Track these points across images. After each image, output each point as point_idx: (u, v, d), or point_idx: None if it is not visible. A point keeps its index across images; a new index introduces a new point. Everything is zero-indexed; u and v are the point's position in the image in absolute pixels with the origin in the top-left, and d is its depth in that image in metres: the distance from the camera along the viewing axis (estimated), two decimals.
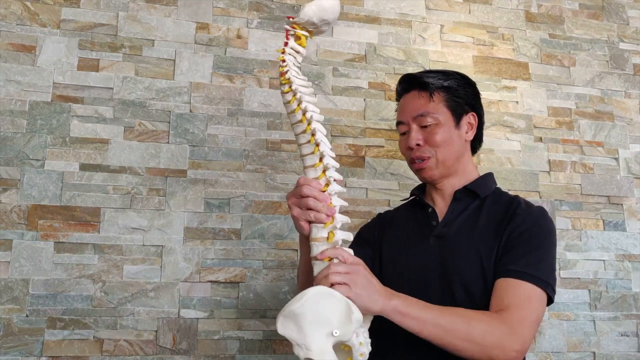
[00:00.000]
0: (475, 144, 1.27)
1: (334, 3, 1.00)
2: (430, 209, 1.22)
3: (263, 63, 1.67)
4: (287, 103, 0.99)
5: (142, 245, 1.49)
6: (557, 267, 1.74)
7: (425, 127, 1.18)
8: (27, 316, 1.39)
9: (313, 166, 0.96)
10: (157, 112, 1.57)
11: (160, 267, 1.49)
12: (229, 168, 1.58)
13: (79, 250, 1.45)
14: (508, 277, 1.05)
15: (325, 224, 0.93)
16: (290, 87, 0.99)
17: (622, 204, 1.83)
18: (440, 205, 1.22)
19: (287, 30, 1.01)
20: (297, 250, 1.58)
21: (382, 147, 1.70)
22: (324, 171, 0.95)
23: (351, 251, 0.94)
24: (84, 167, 1.49)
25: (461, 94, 1.21)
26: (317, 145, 0.95)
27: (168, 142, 1.56)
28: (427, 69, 1.30)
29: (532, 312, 1.02)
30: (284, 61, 1.00)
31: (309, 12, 0.98)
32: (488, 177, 1.25)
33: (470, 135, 1.23)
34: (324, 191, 0.95)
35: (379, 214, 1.37)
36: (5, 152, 1.46)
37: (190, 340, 1.47)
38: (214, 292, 1.51)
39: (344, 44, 1.74)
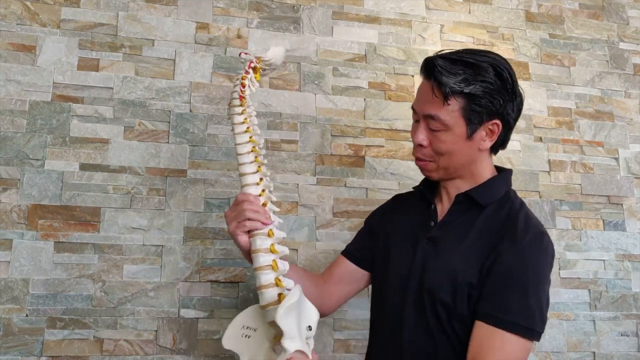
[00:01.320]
0: (497, 146, 1.12)
1: (284, 54, 1.19)
2: (433, 207, 1.15)
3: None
4: (239, 123, 1.08)
5: (142, 245, 1.49)
6: (557, 267, 1.74)
7: (433, 130, 1.07)
8: (27, 316, 1.39)
9: (255, 183, 1.05)
10: (157, 111, 1.57)
11: (160, 266, 1.49)
12: (229, 168, 1.58)
13: (79, 250, 1.45)
14: (485, 323, 0.98)
15: (263, 231, 1.00)
16: (245, 110, 1.09)
17: (622, 204, 1.83)
18: (445, 204, 1.14)
19: (250, 62, 1.11)
20: (297, 250, 1.58)
21: (382, 147, 1.70)
22: (263, 190, 1.05)
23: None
24: (84, 167, 1.49)
25: (485, 104, 1.03)
26: (260, 166, 1.06)
27: (168, 142, 1.56)
28: (460, 49, 1.11)
29: None
30: (244, 86, 1.10)
31: (274, 54, 1.14)
32: (497, 180, 1.12)
33: (488, 144, 1.08)
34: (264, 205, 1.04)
35: (395, 197, 1.32)
36: (5, 151, 1.46)
37: (190, 340, 1.47)
38: (214, 291, 1.51)
39: (343, 44, 1.74)
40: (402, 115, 1.73)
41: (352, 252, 1.27)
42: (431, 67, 1.06)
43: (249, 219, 1.00)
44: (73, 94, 1.53)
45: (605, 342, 1.72)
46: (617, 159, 1.87)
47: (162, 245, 1.50)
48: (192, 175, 1.55)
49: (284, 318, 0.89)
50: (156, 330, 1.46)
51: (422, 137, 1.08)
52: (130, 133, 1.54)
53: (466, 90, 1.02)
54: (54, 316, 1.41)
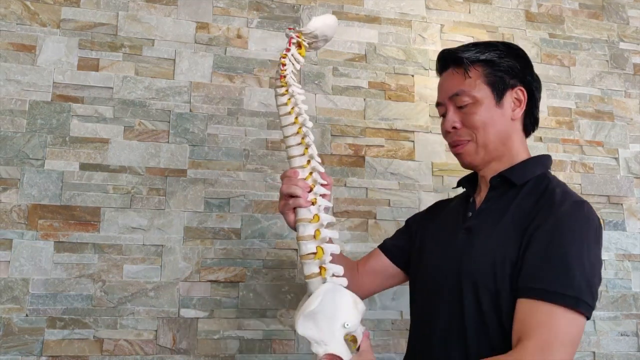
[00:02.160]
0: (528, 123, 1.11)
1: (335, 22, 1.07)
2: (471, 199, 1.12)
3: (263, 63, 1.67)
4: (282, 105, 1.03)
5: (142, 245, 1.49)
6: None
7: (462, 107, 1.06)
8: (27, 316, 1.40)
9: (301, 167, 1.00)
10: (157, 111, 1.57)
11: (160, 266, 1.49)
12: (228, 168, 1.58)
13: (79, 250, 1.45)
14: (527, 298, 0.91)
15: (307, 217, 0.97)
16: (287, 90, 1.03)
17: (622, 204, 1.83)
18: (482, 194, 1.10)
19: (291, 38, 1.05)
20: (297, 249, 1.58)
21: (382, 146, 1.70)
22: (310, 172, 1.00)
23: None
24: (83, 167, 1.49)
25: (504, 67, 1.07)
26: (307, 147, 1.00)
27: (168, 142, 1.56)
28: (472, 42, 1.16)
29: (554, 338, 0.87)
30: (284, 65, 1.03)
31: (316, 24, 1.04)
32: (532, 161, 1.09)
33: (518, 112, 1.08)
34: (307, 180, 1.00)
35: (437, 202, 1.30)
36: (5, 151, 1.46)
37: (190, 339, 1.47)
38: (214, 291, 1.51)
39: (343, 44, 1.74)
40: (402, 115, 1.73)
41: (388, 247, 1.26)
42: (445, 54, 1.11)
43: (291, 196, 0.98)
44: (73, 94, 1.53)
45: (605, 342, 1.72)
46: (617, 159, 1.87)
47: (162, 245, 1.50)
48: (192, 175, 1.55)
49: (302, 328, 0.88)
50: (156, 330, 1.46)
51: (454, 119, 1.08)
52: (130, 133, 1.54)
53: (482, 57, 1.07)
54: (54, 316, 1.41)
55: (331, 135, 1.67)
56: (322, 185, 1.00)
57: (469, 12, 1.87)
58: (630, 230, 1.82)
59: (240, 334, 1.50)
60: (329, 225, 0.99)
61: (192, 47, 1.63)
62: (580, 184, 1.82)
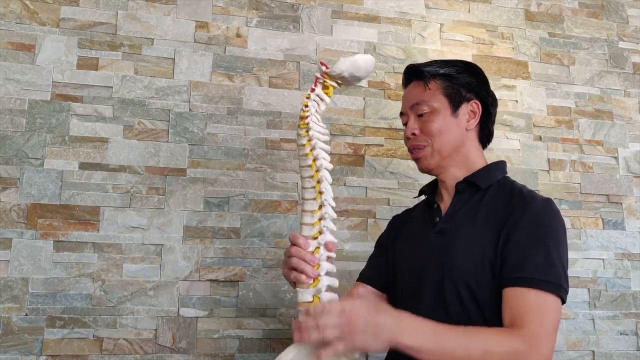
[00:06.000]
0: (484, 135, 1.21)
1: (368, 61, 1.02)
2: (435, 205, 1.19)
3: (262, 62, 1.67)
4: (301, 146, 1.01)
5: (142, 244, 1.49)
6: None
7: (421, 115, 1.16)
8: (26, 315, 1.40)
9: (311, 212, 0.98)
10: (157, 110, 1.57)
11: (160, 265, 1.49)
12: (228, 167, 1.58)
13: (79, 249, 1.45)
14: (516, 286, 0.98)
15: (306, 283, 0.94)
16: (307, 131, 1.01)
17: (621, 203, 1.84)
18: (446, 200, 1.18)
19: (317, 78, 1.02)
20: None
21: (382, 145, 1.70)
22: (319, 219, 0.98)
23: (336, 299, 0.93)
24: (83, 166, 1.49)
25: (460, 81, 1.17)
26: (321, 193, 0.98)
27: (167, 141, 1.56)
28: (434, 59, 1.24)
29: (547, 322, 0.96)
30: (306, 106, 1.01)
31: (342, 66, 1.00)
32: (492, 167, 1.18)
33: (472, 123, 1.17)
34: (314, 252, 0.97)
35: (394, 217, 1.35)
36: (5, 151, 1.46)
37: (189, 339, 1.47)
38: (214, 290, 1.51)
39: (343, 43, 1.74)
40: None
41: (366, 276, 1.29)
42: (410, 69, 1.22)
43: (294, 269, 0.97)
44: (72, 93, 1.52)
45: (605, 341, 1.72)
46: (616, 158, 1.87)
47: (161, 244, 1.50)
48: (191, 174, 1.55)
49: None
50: (156, 329, 1.46)
51: (414, 126, 1.17)
52: (129, 132, 1.54)
53: (441, 71, 1.17)
54: (54, 315, 1.41)
55: (331, 134, 1.67)
56: (328, 243, 0.98)
57: (469, 11, 1.87)
58: (629, 229, 1.82)
59: (240, 333, 1.51)
60: (329, 289, 0.96)
61: (192, 46, 1.63)
62: (579, 183, 1.82)
